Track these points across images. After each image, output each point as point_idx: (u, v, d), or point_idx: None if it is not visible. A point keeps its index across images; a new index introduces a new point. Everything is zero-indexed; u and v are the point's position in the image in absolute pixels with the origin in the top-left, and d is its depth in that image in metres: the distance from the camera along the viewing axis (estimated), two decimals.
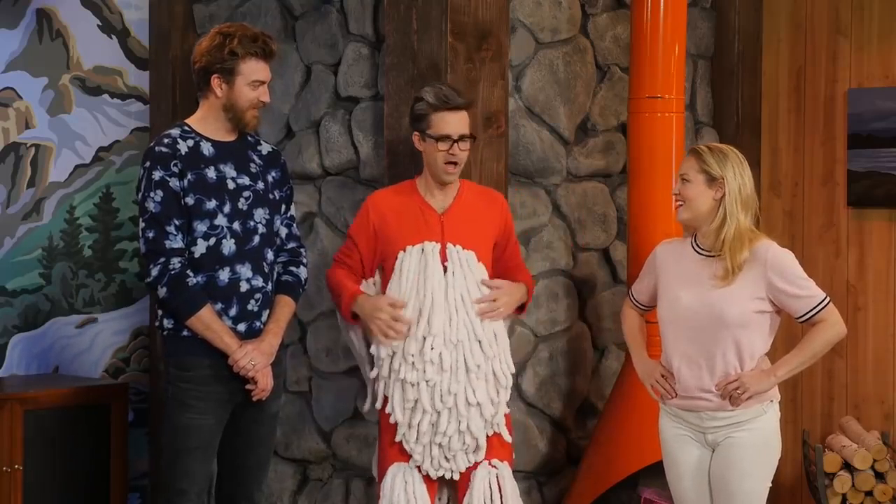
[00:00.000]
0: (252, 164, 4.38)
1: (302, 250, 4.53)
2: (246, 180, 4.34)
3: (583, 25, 5.44)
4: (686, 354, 4.15)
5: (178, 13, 5.83)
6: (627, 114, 5.12)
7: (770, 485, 4.19)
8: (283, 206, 4.47)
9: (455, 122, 4.36)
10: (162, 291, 4.22)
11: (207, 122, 4.34)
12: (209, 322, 4.23)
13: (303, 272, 4.49)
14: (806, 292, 4.10)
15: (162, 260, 4.20)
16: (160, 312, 4.34)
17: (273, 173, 4.45)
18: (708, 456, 4.18)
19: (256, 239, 4.34)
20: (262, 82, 4.32)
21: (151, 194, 4.21)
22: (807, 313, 4.10)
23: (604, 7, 5.51)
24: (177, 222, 4.21)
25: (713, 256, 4.15)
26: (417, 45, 4.81)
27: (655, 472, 4.54)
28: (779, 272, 4.09)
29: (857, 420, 5.78)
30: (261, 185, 4.38)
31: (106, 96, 5.87)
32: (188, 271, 4.22)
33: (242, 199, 4.32)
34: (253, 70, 4.30)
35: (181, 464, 4.27)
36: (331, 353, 5.37)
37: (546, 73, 5.28)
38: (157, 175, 4.22)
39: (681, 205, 4.16)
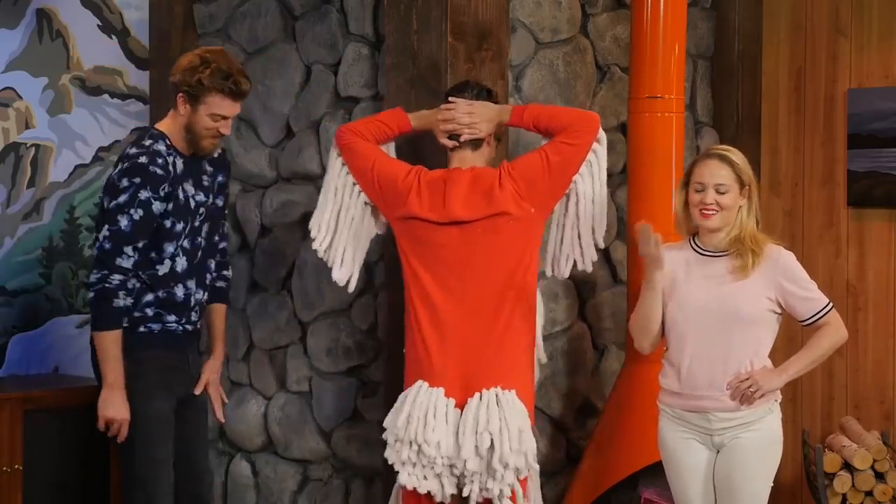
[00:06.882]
0: (205, 177, 4.46)
1: (226, 247, 4.69)
2: (201, 196, 4.44)
3: (583, 25, 5.44)
4: (697, 353, 4.14)
5: (178, 13, 5.83)
6: (627, 114, 5.12)
7: (772, 483, 4.20)
8: (224, 212, 4.62)
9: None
10: (90, 295, 4.31)
11: (176, 135, 4.39)
12: (109, 346, 4.29)
13: (230, 273, 4.71)
14: (814, 295, 4.15)
15: (105, 272, 4.27)
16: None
17: (220, 177, 4.54)
18: (713, 458, 4.18)
19: (199, 254, 4.45)
20: (225, 117, 4.35)
21: (131, 211, 4.25)
22: (813, 316, 4.14)
23: (604, 7, 5.51)
24: (139, 245, 4.28)
25: (721, 256, 4.16)
26: (417, 45, 4.81)
27: (655, 472, 4.54)
28: (788, 274, 4.13)
29: (857, 420, 5.78)
30: (210, 198, 4.48)
31: (106, 96, 5.87)
32: (121, 292, 4.27)
33: (198, 217, 4.43)
34: (216, 104, 4.33)
35: (152, 453, 4.36)
36: (331, 353, 5.37)
37: (546, 73, 5.28)
38: (143, 195, 4.25)
39: (716, 213, 4.14)
